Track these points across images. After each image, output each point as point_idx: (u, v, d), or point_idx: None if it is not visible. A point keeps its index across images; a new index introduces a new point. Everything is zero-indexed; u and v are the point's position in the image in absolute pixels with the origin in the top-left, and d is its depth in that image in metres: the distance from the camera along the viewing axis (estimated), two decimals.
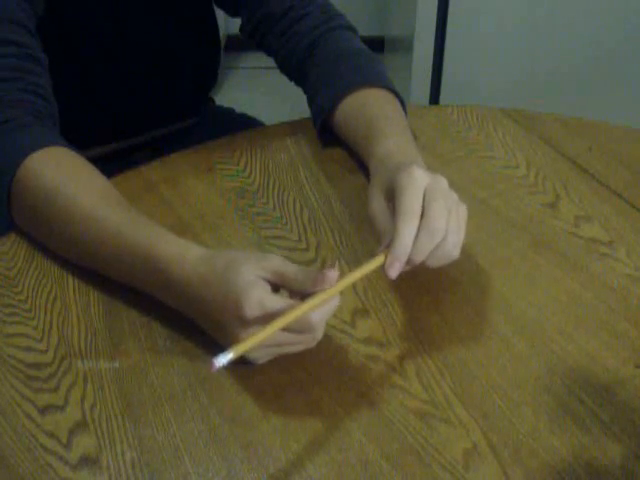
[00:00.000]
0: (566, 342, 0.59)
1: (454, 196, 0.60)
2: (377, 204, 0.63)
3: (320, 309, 0.52)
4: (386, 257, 0.55)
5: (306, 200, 0.76)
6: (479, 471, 0.50)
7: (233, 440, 0.52)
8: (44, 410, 0.54)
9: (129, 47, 0.90)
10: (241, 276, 0.53)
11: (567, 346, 0.59)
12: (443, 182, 0.60)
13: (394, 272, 0.55)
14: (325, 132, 0.84)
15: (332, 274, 0.52)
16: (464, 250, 0.68)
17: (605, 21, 1.93)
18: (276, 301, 0.52)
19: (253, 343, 0.49)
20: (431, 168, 0.80)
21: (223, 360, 0.46)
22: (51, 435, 0.52)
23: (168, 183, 0.79)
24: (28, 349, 0.59)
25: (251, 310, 0.52)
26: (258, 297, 0.52)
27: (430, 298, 0.64)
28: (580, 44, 1.96)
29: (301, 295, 0.53)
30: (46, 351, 0.59)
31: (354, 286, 0.65)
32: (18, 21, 0.72)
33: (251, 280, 0.53)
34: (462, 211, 0.61)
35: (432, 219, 0.56)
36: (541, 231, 0.72)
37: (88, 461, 0.51)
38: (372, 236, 0.64)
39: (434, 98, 1.97)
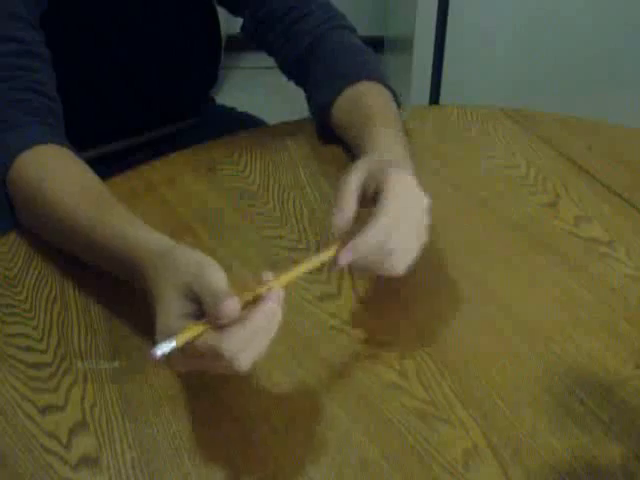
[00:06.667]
0: (566, 342, 0.59)
1: (424, 219, 0.58)
2: (354, 178, 0.57)
3: (237, 340, 0.46)
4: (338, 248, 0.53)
5: (306, 200, 0.76)
6: (479, 471, 0.50)
7: (233, 440, 0.52)
8: (44, 410, 0.54)
9: (129, 45, 0.90)
10: (167, 288, 0.50)
11: (567, 346, 0.59)
12: (423, 203, 0.58)
13: (345, 259, 0.52)
14: (324, 128, 0.85)
15: (230, 305, 0.46)
16: (464, 250, 0.68)
17: (605, 21, 1.93)
18: (178, 328, 0.48)
19: (193, 335, 0.46)
20: (431, 168, 0.81)
21: (163, 349, 0.45)
22: (51, 435, 0.52)
23: (168, 183, 0.79)
24: (28, 349, 0.59)
25: (159, 327, 0.49)
26: (165, 320, 0.48)
27: (430, 298, 0.64)
28: (580, 44, 1.96)
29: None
30: (46, 351, 0.59)
31: (354, 287, 0.65)
32: (19, 15, 0.72)
33: (172, 297, 0.49)
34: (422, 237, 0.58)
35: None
36: (541, 231, 0.72)
37: (88, 461, 0.51)
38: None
39: (434, 98, 1.97)
